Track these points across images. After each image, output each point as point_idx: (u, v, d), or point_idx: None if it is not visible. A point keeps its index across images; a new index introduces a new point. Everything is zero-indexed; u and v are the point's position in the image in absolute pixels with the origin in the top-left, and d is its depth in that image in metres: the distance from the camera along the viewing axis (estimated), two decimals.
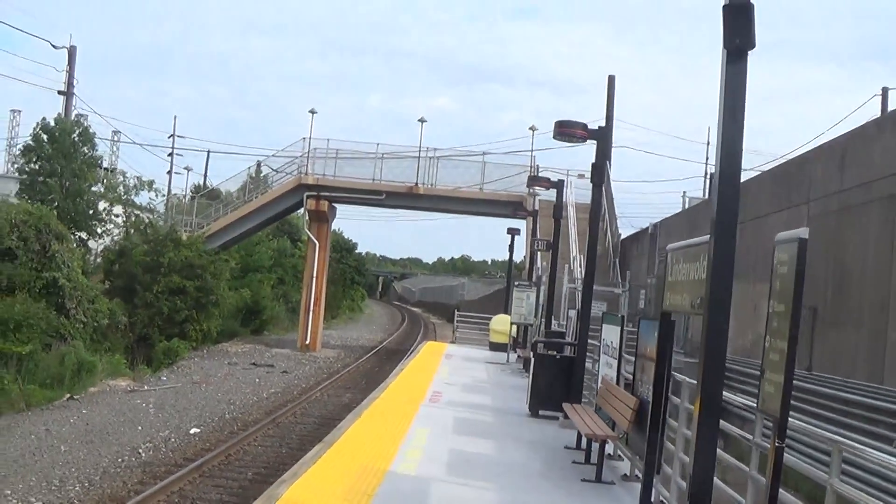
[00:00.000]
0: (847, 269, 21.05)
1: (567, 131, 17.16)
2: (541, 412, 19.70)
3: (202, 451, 22.32)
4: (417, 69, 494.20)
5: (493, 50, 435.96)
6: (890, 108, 35.82)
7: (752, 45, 7.99)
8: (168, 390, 32.70)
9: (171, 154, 76.73)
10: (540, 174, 46.51)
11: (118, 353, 37.53)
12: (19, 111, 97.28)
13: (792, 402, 17.95)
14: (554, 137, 17.63)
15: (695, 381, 8.69)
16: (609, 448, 14.68)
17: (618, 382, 14.65)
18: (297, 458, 19.01)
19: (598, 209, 18.83)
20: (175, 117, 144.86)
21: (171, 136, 77.20)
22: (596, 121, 23.15)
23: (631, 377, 13.39)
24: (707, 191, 58.94)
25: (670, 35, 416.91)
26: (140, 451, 22.19)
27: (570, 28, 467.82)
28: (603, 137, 17.83)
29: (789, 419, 6.98)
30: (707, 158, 65.36)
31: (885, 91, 46.74)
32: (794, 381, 18.89)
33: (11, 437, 22.47)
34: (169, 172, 75.75)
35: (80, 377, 31.43)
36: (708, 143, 68.54)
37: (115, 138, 70.67)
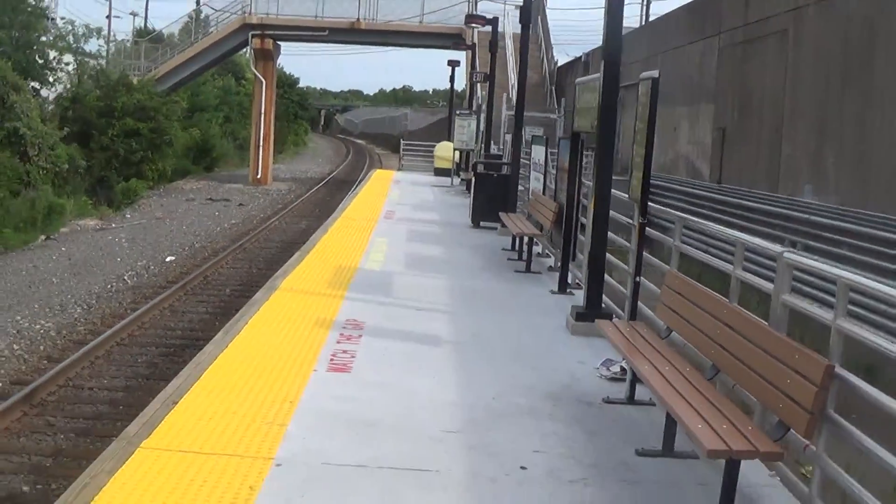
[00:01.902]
0: (749, 94, 23.90)
1: None
2: (481, 224, 22.79)
3: (181, 275, 24.85)
4: None
5: None
6: None
7: None
8: (135, 226, 35.05)
9: None
10: (479, 3, 48.84)
11: (82, 196, 39.73)
12: None
13: (702, 210, 21.16)
14: None
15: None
16: (538, 248, 17.84)
17: (544, 193, 17.72)
18: (267, 276, 21.85)
19: (526, 48, 21.47)
20: None
21: None
22: None
23: (553, 188, 16.48)
24: (643, 18, 61.15)
25: None
26: (125, 278, 24.68)
27: None
28: None
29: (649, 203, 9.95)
30: None
31: None
32: (706, 193, 22.18)
33: (4, 274, 24.66)
34: (108, 17, 76.25)
35: (50, 219, 33.45)
36: None
37: None
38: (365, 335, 10.87)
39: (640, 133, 9.67)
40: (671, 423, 7.37)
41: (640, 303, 10.04)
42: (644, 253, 10.10)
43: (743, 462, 6.10)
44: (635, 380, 8.70)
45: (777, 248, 7.14)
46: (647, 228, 9.98)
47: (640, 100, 9.82)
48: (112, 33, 72.07)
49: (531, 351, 10.81)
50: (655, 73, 9.54)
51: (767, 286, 7.17)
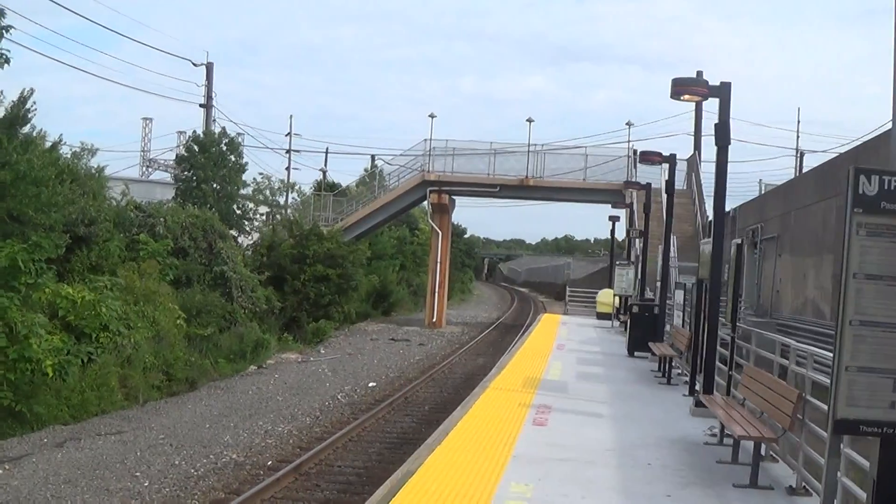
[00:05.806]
0: None
1: (648, 159, 26.22)
2: (635, 353, 29.26)
3: (386, 396, 31.00)
4: (507, 51, 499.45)
5: (582, 29, 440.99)
6: None
7: (729, 143, 17.03)
8: (332, 360, 41.49)
9: (288, 151, 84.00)
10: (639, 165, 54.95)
11: (276, 333, 46.04)
12: (150, 119, 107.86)
13: (822, 343, 26.74)
14: (640, 162, 26.82)
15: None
16: (678, 369, 23.95)
17: (683, 326, 23.86)
18: (456, 399, 27.88)
19: (671, 218, 27.13)
20: (291, 117, 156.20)
21: (288, 134, 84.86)
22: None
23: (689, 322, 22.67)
24: (797, 169, 66.40)
25: (759, 4, 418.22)
26: (339, 397, 30.85)
27: (658, 3, 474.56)
28: (673, 161, 26.47)
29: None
30: (798, 136, 72.79)
31: None
32: (825, 330, 27.86)
33: (234, 394, 30.86)
34: (287, 168, 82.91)
35: (257, 352, 39.87)
36: (798, 124, 76.27)
37: (241, 141, 78.74)
38: (553, 411, 17.31)
39: (730, 278, 15.86)
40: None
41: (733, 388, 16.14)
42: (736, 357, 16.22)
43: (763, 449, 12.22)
44: (723, 431, 14.76)
45: (790, 341, 13.29)
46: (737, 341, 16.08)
47: (731, 256, 16.03)
48: (297, 185, 79.79)
49: (663, 422, 17.09)
50: (738, 241, 15.77)
51: (785, 363, 13.32)
